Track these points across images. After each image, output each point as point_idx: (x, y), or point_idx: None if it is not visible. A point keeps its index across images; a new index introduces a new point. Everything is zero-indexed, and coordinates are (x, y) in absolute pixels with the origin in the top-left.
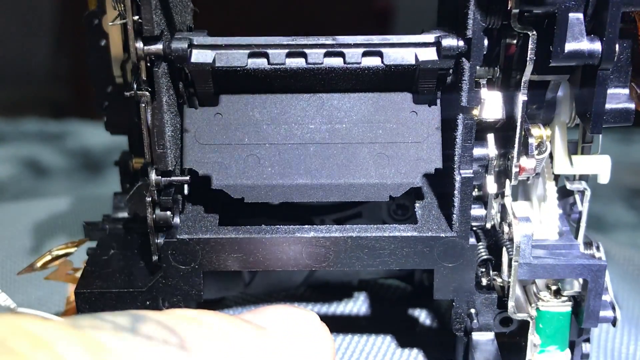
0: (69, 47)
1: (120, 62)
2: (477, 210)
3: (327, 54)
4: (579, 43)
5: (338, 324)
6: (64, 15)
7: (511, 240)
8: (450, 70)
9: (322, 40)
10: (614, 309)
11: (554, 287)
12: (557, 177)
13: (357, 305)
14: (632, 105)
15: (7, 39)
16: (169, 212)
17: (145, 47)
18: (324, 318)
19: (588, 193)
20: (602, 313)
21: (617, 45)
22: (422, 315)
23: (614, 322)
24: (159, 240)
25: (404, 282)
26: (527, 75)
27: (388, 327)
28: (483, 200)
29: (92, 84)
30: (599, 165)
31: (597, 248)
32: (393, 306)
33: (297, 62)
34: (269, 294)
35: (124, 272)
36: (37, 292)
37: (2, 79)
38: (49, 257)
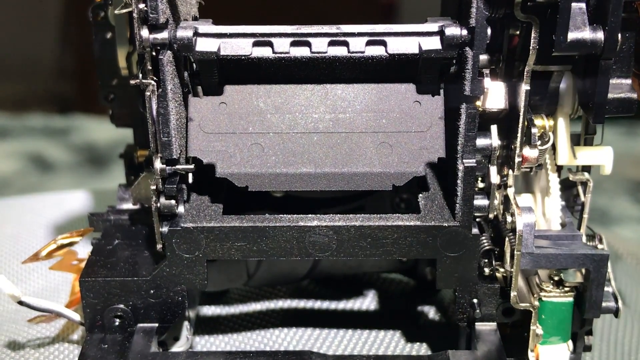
0: (74, 42)
1: (125, 54)
2: (480, 201)
3: (331, 43)
4: (582, 32)
5: (341, 317)
6: (69, 10)
7: (514, 230)
8: (454, 60)
9: (326, 29)
10: (616, 300)
11: (556, 278)
12: (559, 169)
13: (360, 298)
14: (635, 95)
15: (11, 33)
16: (173, 201)
17: (151, 36)
18: (327, 311)
19: (590, 184)
20: (604, 303)
21: (619, 35)
22: (425, 308)
23: (616, 313)
24: (163, 229)
25: (407, 276)
26: (530, 65)
27: (391, 320)
28: (487, 192)
29: (98, 77)
30: (601, 156)
31: (600, 240)
32: (396, 299)
33: (301, 51)
34: (272, 287)
35: (128, 261)
36: (42, 282)
37: (7, 74)
38: (53, 246)
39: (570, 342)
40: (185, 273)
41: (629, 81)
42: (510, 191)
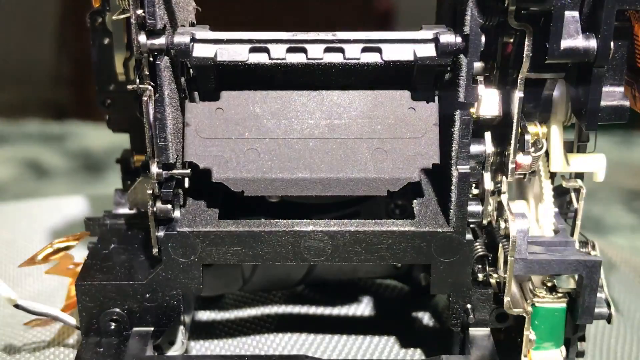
0: (71, 49)
1: (123, 59)
2: (474, 207)
3: (327, 50)
4: (575, 40)
5: (335, 322)
6: (66, 15)
7: (507, 236)
8: (448, 67)
9: (322, 35)
10: (609, 306)
11: (549, 284)
12: (553, 176)
13: (355, 303)
14: (627, 103)
15: (8, 40)
16: (169, 205)
17: (149, 41)
18: (322, 316)
19: (583, 191)
20: (597, 310)
21: (612, 43)
22: (420, 314)
23: (608, 319)
24: (159, 233)
25: (401, 281)
26: (524, 72)
27: (386, 325)
28: (480, 198)
29: (95, 82)
30: (594, 163)
31: (593, 247)
32: (391, 305)
33: (298, 57)
34: (267, 292)
35: (124, 266)
36: (38, 286)
37: (3, 81)
38: (50, 250)
39: (563, 348)
40: (181, 277)
41: (621, 89)
42: (504, 197)
